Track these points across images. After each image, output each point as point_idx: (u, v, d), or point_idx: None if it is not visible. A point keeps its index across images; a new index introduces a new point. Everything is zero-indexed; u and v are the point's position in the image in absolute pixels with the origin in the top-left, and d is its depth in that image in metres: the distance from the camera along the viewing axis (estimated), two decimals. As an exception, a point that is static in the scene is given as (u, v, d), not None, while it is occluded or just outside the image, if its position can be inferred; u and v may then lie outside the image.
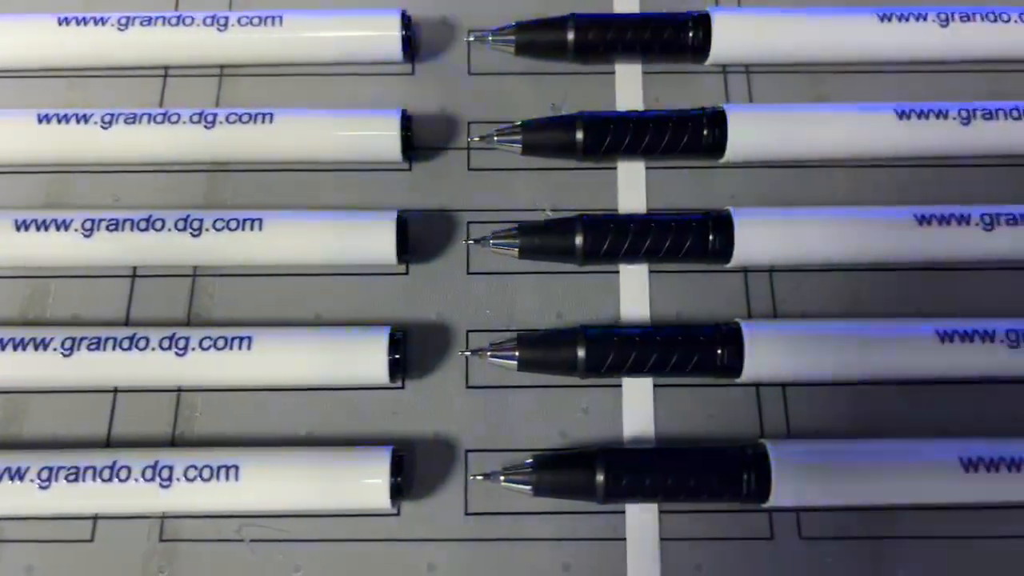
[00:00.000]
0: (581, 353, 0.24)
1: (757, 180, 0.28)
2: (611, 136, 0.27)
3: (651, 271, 0.27)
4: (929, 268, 0.27)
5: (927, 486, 0.23)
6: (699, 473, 0.23)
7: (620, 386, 0.26)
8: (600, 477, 0.23)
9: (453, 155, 0.28)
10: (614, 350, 0.24)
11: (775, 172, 0.28)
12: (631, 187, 0.28)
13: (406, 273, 0.27)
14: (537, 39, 0.28)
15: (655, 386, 0.26)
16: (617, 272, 0.27)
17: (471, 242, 0.27)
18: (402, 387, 0.26)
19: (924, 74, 0.29)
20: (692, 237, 0.26)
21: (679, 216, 0.26)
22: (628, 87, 0.29)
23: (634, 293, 0.27)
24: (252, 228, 0.26)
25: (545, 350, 0.25)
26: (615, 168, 0.28)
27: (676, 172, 0.28)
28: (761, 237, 0.26)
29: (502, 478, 0.24)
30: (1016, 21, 0.28)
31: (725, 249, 0.26)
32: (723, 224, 0.26)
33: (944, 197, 0.27)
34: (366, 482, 0.23)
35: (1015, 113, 0.27)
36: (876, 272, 0.27)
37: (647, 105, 0.29)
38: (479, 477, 0.24)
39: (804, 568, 0.24)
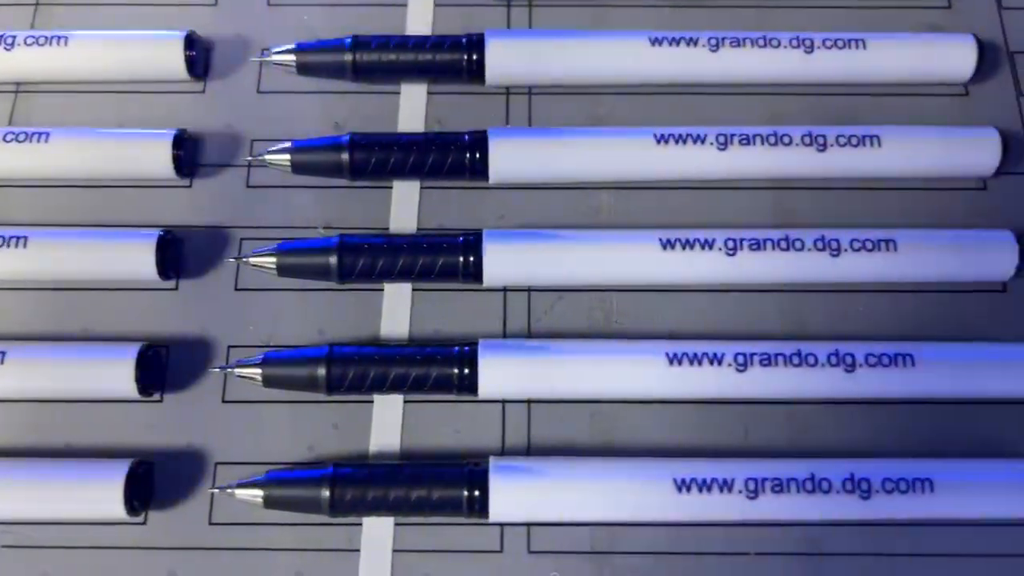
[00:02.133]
0: (322, 371, 0.25)
1: (526, 201, 0.29)
2: (376, 157, 0.28)
3: (414, 289, 0.28)
4: (674, 290, 0.27)
5: (643, 505, 0.24)
6: (421, 489, 0.24)
7: (372, 402, 0.27)
8: (325, 493, 0.24)
9: (234, 172, 0.29)
10: (354, 368, 0.25)
11: (543, 193, 0.29)
12: (404, 206, 0.29)
13: (176, 289, 0.28)
14: (316, 60, 0.29)
15: (405, 402, 0.26)
16: (381, 290, 0.28)
17: (232, 259, 0.28)
18: (160, 400, 0.27)
19: (700, 96, 0.30)
20: (444, 258, 0.27)
21: (433, 237, 0.27)
22: (412, 107, 0.30)
23: (395, 310, 0.27)
24: (17, 245, 0.26)
25: (288, 368, 0.25)
26: (391, 187, 0.29)
27: (449, 192, 0.29)
28: (509, 259, 0.27)
29: (235, 491, 0.25)
30: (786, 47, 0.29)
31: (477, 270, 0.27)
32: (474, 245, 0.27)
33: (698, 219, 0.28)
34: (102, 492, 0.24)
35: (771, 139, 0.28)
36: (627, 292, 0.28)
37: (428, 126, 0.30)
38: (215, 489, 0.25)
39: (529, 581, 0.25)
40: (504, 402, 0.26)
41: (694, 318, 0.27)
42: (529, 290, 0.28)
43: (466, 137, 0.28)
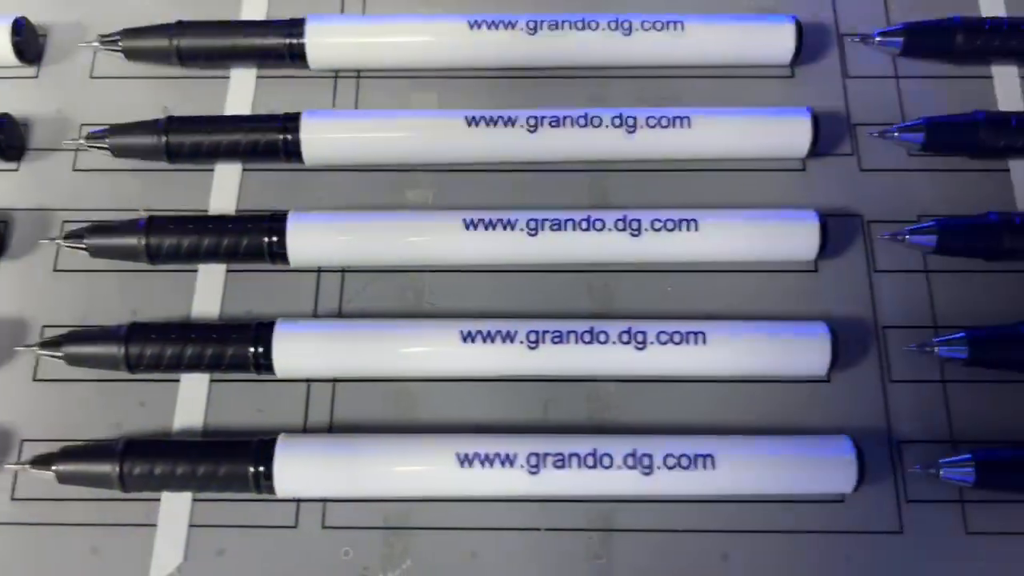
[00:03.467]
0: (120, 349, 0.26)
1: (346, 183, 0.29)
2: (190, 140, 0.28)
3: (229, 270, 0.28)
4: (483, 270, 0.28)
5: (426, 480, 0.25)
6: (208, 464, 0.25)
7: (179, 381, 0.27)
8: (114, 468, 0.25)
9: (61, 156, 0.30)
10: (151, 347, 0.26)
11: (363, 175, 0.29)
12: (224, 189, 0.29)
13: (-6, 271, 0.28)
14: (141, 46, 0.29)
15: (212, 381, 0.27)
16: (196, 271, 0.28)
17: (44, 241, 0.28)
18: (-29, 380, 0.27)
19: (521, 80, 0.30)
20: (249, 239, 0.27)
21: (239, 218, 0.27)
22: (240, 92, 0.30)
23: (209, 291, 0.28)
24: None
25: (89, 346, 0.26)
26: (213, 170, 0.29)
27: (270, 175, 0.29)
28: (313, 239, 0.27)
29: (28, 467, 0.25)
30: (606, 29, 0.29)
31: (282, 251, 0.27)
32: (279, 226, 0.27)
33: (517, 201, 0.28)
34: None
35: (581, 121, 0.28)
36: (438, 273, 0.28)
37: (255, 110, 0.30)
38: (10, 466, 0.25)
39: (321, 556, 0.25)
40: (309, 381, 0.27)
41: (504, 297, 0.28)
42: (343, 271, 0.28)
43: (279, 119, 0.28)
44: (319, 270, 0.28)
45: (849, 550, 0.25)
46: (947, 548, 0.25)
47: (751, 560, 0.25)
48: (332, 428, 0.26)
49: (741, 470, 0.24)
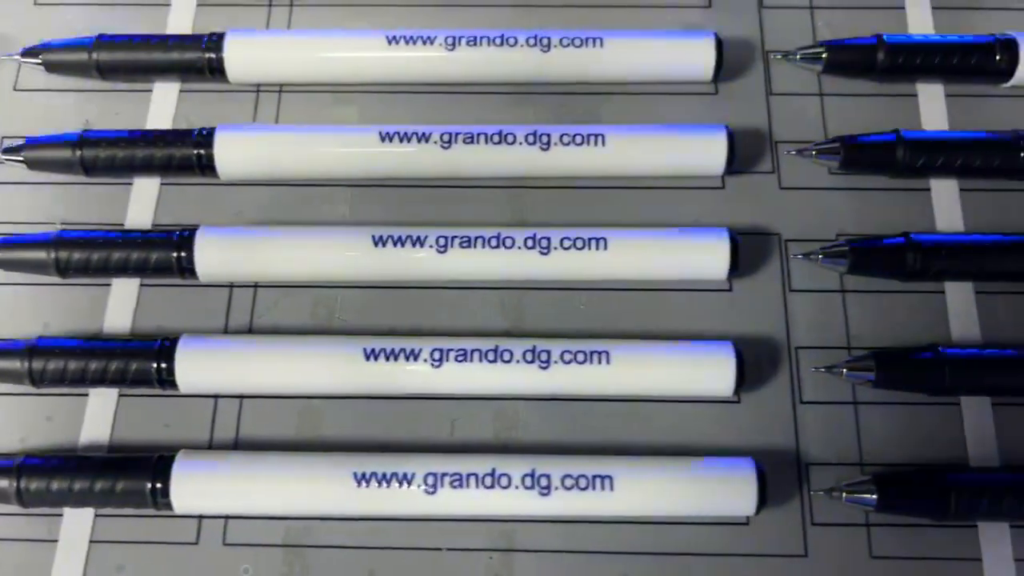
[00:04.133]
0: (23, 364, 0.26)
1: (265, 198, 0.29)
2: (105, 153, 0.28)
3: (142, 284, 0.28)
4: (394, 287, 0.28)
5: (324, 498, 0.24)
6: (106, 480, 0.24)
7: (87, 395, 0.27)
8: (11, 483, 0.24)
9: (-22, 169, 0.30)
10: (54, 361, 0.26)
11: (282, 190, 0.29)
12: (142, 203, 0.29)
13: (-84, 283, 0.28)
14: (61, 59, 0.30)
15: (119, 395, 0.27)
16: (109, 285, 0.28)
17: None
18: None
19: (438, 95, 0.30)
20: (158, 254, 0.27)
21: (150, 233, 0.27)
22: (162, 105, 0.30)
23: (122, 306, 0.28)
24: None
25: (-8, 360, 0.26)
26: (131, 184, 0.29)
27: (188, 189, 0.29)
28: (222, 256, 0.27)
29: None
30: (524, 45, 0.29)
31: (191, 266, 0.27)
32: (188, 241, 0.27)
33: (440, 218, 0.28)
34: None
35: (495, 137, 0.28)
36: (351, 289, 0.28)
37: (176, 124, 0.30)
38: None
39: (221, 572, 0.25)
40: (216, 397, 0.27)
41: (417, 314, 0.27)
42: (256, 286, 0.28)
43: (194, 134, 0.28)
44: (231, 285, 0.28)
45: (753, 573, 0.25)
46: (850, 572, 0.25)
47: (652, 582, 0.25)
48: (238, 444, 0.26)
49: (639, 491, 0.24)
